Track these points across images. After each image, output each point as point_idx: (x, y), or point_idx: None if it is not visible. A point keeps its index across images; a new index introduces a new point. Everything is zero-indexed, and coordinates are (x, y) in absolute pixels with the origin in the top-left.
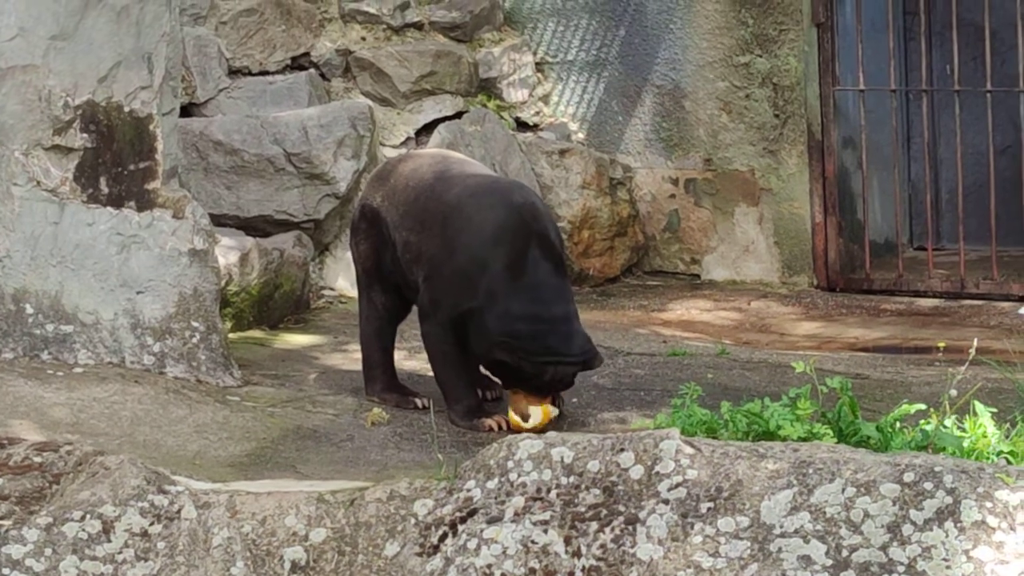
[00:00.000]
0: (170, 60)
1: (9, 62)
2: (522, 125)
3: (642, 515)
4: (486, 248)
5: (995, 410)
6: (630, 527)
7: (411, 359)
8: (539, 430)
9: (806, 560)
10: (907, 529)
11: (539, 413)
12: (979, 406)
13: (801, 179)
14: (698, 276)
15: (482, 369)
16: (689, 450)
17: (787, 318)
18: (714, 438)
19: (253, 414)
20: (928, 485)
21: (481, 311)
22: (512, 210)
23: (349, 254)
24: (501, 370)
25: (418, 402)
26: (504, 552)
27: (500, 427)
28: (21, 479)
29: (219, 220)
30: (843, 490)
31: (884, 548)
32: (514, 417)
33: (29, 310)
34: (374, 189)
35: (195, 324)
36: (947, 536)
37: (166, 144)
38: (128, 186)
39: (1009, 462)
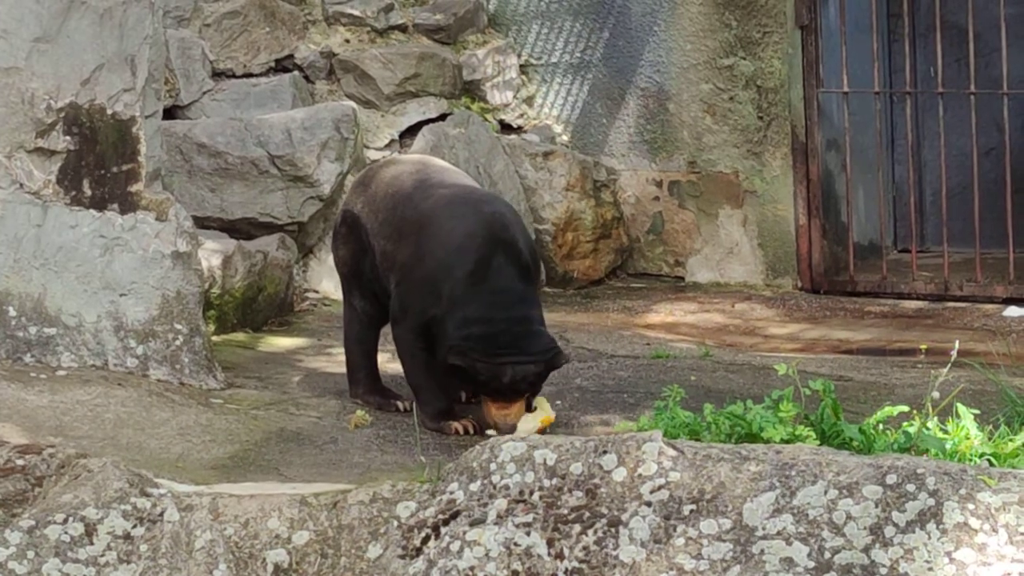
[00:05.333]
0: (153, 62)
1: None
2: (506, 127)
3: (625, 517)
4: (451, 255)
5: (978, 412)
6: (613, 529)
7: (394, 361)
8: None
9: (788, 562)
10: (889, 531)
11: (534, 420)
12: (962, 408)
13: (785, 181)
14: (682, 278)
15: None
16: (672, 452)
17: (771, 320)
18: (697, 440)
19: (236, 417)
20: (910, 487)
21: (443, 318)
22: (480, 219)
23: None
24: (463, 376)
25: (400, 405)
26: (487, 554)
27: (467, 431)
28: (3, 482)
29: (203, 222)
30: (825, 492)
31: (866, 550)
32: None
33: (12, 312)
34: (355, 195)
35: (178, 326)
36: (929, 538)
37: (149, 146)
38: (111, 188)
39: (992, 464)
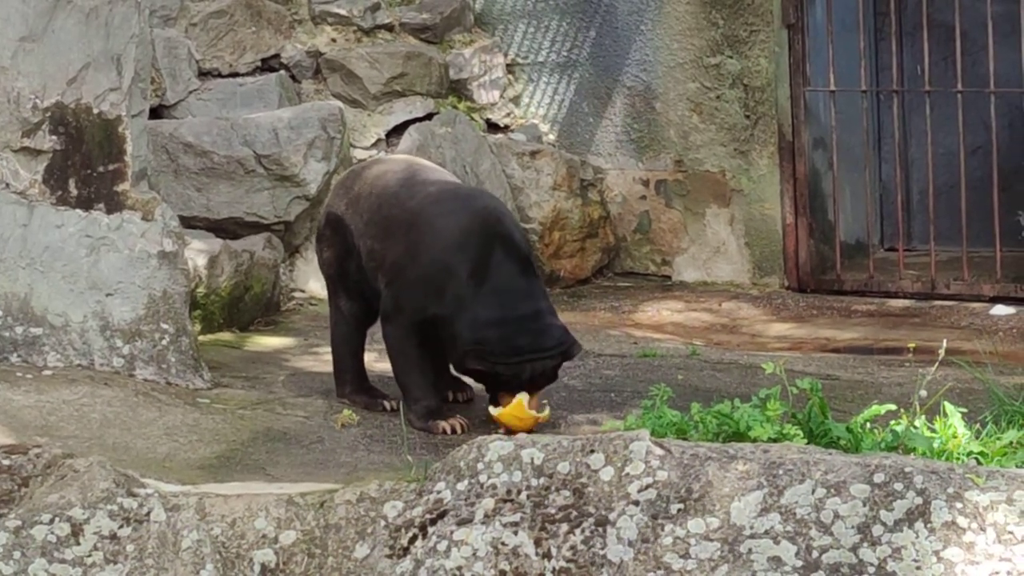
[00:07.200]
0: (139, 62)
1: None
2: (492, 127)
3: (612, 516)
4: (450, 253)
5: (965, 410)
6: (600, 528)
7: (381, 361)
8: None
9: (776, 561)
10: (877, 530)
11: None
12: (949, 407)
13: (772, 180)
14: (669, 277)
15: (454, 371)
16: (659, 451)
17: (758, 319)
18: (684, 439)
19: (223, 416)
20: (898, 486)
21: (451, 320)
22: (474, 214)
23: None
24: (479, 377)
25: (387, 404)
26: (474, 554)
27: (455, 430)
28: None
29: (189, 222)
30: (813, 491)
31: (854, 549)
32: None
33: None
34: (338, 196)
35: (165, 326)
36: (917, 537)
37: (135, 146)
38: (97, 188)
39: (979, 463)
